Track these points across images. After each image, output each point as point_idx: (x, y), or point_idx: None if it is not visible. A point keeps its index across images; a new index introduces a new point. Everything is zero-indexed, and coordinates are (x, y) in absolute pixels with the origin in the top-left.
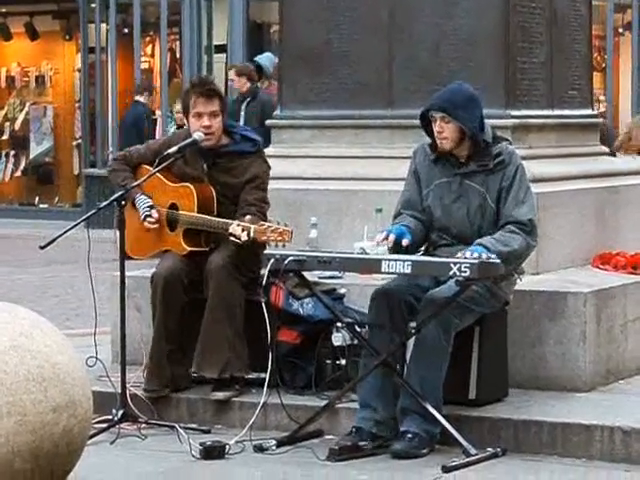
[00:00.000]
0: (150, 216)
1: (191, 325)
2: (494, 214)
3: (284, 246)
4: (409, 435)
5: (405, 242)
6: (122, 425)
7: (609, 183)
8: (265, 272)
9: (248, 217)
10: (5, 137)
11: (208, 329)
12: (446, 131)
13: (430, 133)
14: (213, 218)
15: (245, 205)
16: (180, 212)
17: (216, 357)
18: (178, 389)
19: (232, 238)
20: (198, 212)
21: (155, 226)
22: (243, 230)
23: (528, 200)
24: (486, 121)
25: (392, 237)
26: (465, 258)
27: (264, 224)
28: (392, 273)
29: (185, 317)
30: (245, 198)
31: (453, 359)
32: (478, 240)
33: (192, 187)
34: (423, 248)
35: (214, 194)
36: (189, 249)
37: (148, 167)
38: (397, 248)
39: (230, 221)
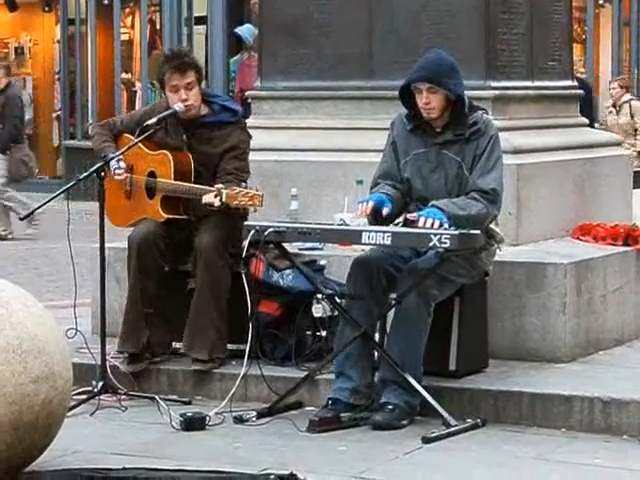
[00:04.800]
0: (118, 168)
1: (169, 293)
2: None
3: (255, 211)
4: (389, 406)
5: (385, 211)
6: (102, 397)
7: (589, 154)
8: (245, 243)
9: (221, 185)
10: None
11: (197, 311)
12: (433, 101)
13: (408, 105)
14: (188, 184)
15: (224, 174)
16: (157, 179)
17: (205, 339)
18: (154, 355)
19: (208, 207)
20: (175, 179)
21: (124, 176)
22: (216, 196)
23: (495, 170)
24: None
25: (371, 204)
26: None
27: (235, 188)
28: (372, 244)
29: (163, 285)
30: (224, 167)
31: (433, 330)
32: (433, 202)
33: (169, 154)
34: (402, 219)
35: (192, 162)
36: (167, 216)
37: (130, 136)
38: (377, 216)
39: (205, 187)
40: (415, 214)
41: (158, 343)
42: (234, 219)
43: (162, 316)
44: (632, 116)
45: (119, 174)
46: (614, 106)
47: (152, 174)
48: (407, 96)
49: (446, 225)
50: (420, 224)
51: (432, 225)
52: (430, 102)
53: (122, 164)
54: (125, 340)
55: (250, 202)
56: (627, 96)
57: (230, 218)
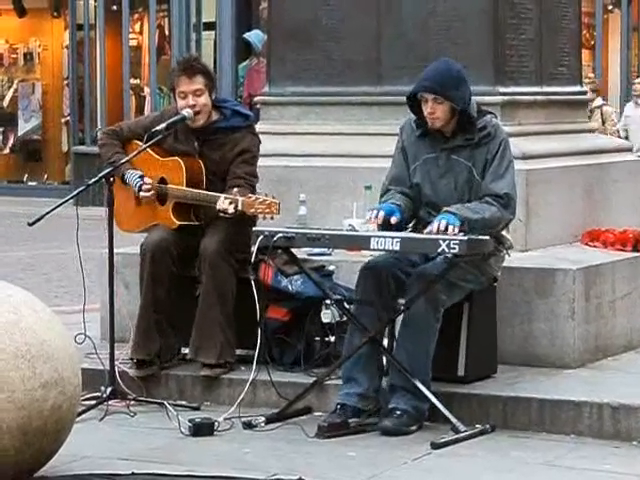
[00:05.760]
0: (144, 184)
1: (178, 298)
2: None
3: (272, 219)
4: (398, 412)
5: (394, 219)
6: (111, 402)
7: (598, 160)
8: (254, 249)
9: (235, 190)
10: None
11: (203, 316)
12: (438, 111)
13: (416, 111)
14: (201, 191)
15: (234, 178)
16: (169, 186)
17: (212, 343)
18: (163, 360)
19: (221, 213)
20: (187, 186)
21: (151, 193)
22: (231, 203)
23: (507, 174)
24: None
25: (382, 214)
26: (434, 232)
27: (252, 196)
28: (381, 250)
29: (172, 290)
30: (234, 171)
31: (442, 336)
32: (446, 208)
33: (181, 161)
34: (411, 225)
35: (203, 168)
36: (179, 223)
37: (138, 142)
38: (386, 225)
39: (218, 194)
40: (429, 228)
41: (167, 349)
42: (241, 224)
43: (172, 322)
44: (603, 122)
45: (147, 189)
46: None
47: (162, 180)
48: (414, 102)
49: (457, 224)
50: (434, 229)
51: (445, 227)
52: (435, 112)
53: (148, 180)
54: (137, 348)
55: (267, 210)
56: (599, 101)
57: (237, 223)
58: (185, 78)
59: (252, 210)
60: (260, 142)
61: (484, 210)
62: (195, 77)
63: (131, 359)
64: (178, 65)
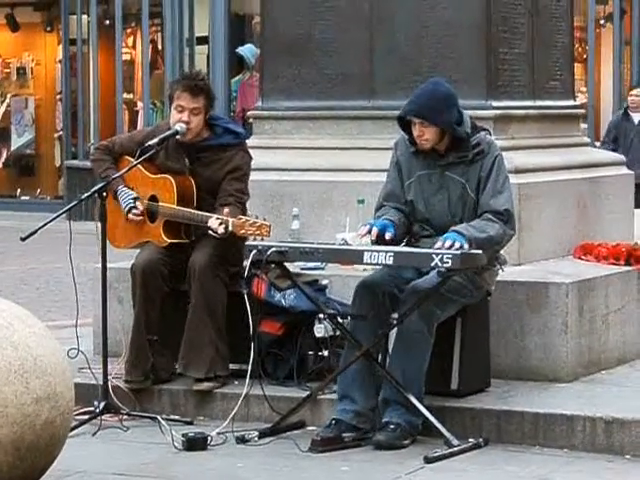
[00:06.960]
0: (135, 208)
1: (172, 316)
2: (475, 204)
3: (262, 239)
4: (391, 426)
5: (388, 236)
6: (104, 417)
7: (591, 174)
8: (247, 263)
9: (226, 210)
10: None
11: (192, 330)
12: (426, 134)
13: (407, 130)
14: (192, 210)
15: (224, 195)
16: (159, 204)
17: (201, 358)
18: (159, 380)
19: (211, 232)
20: (177, 204)
21: (140, 219)
22: (221, 224)
23: (505, 190)
24: (465, 112)
25: (375, 231)
26: (440, 249)
27: (242, 218)
28: (374, 264)
29: (165, 308)
30: (225, 188)
31: (435, 350)
32: (453, 227)
33: (172, 179)
34: (405, 240)
35: (194, 186)
36: (169, 241)
37: (130, 158)
38: (380, 242)
39: (209, 214)
40: (439, 243)
41: (162, 367)
42: (231, 239)
43: (166, 341)
44: None
45: (135, 214)
46: None
47: (153, 198)
48: (405, 121)
49: (464, 243)
50: (440, 247)
51: (452, 245)
52: (423, 135)
53: (140, 206)
54: (131, 369)
55: (257, 232)
56: None
57: (227, 238)
58: (187, 95)
59: (242, 231)
60: (252, 159)
61: (489, 228)
62: (198, 97)
63: (125, 381)
64: (184, 79)
